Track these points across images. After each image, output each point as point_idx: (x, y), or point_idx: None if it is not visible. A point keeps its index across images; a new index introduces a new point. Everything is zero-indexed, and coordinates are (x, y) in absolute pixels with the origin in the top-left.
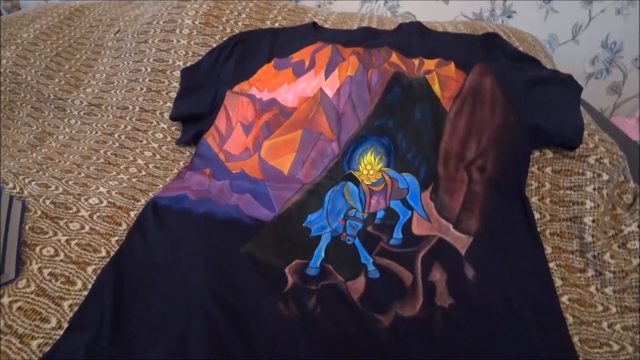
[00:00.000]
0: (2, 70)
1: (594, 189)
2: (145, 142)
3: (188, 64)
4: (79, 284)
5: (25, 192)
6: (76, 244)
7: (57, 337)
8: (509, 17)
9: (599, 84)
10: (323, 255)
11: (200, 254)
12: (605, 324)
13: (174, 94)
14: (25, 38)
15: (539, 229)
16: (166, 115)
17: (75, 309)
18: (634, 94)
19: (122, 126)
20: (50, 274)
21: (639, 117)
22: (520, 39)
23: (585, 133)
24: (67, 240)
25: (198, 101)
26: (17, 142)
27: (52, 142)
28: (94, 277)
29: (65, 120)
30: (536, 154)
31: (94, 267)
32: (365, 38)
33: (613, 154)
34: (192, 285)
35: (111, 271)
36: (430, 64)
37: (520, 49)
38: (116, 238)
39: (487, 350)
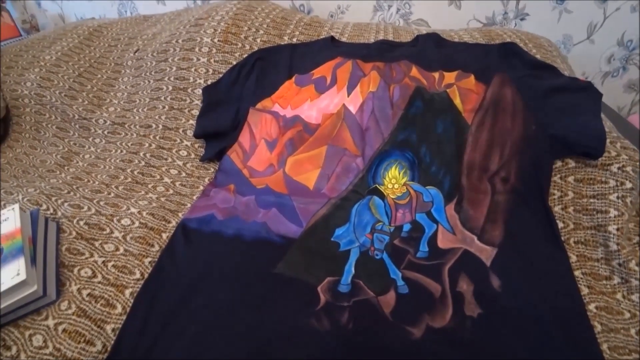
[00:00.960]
0: (27, 92)
1: (618, 197)
2: (170, 160)
3: (209, 82)
4: (119, 308)
5: (59, 213)
6: (112, 265)
7: None
8: (522, 19)
9: (615, 82)
10: (353, 271)
11: (231, 276)
12: (633, 331)
13: (195, 112)
14: (47, 60)
15: (563, 238)
16: (189, 132)
17: (117, 332)
18: None
19: (147, 144)
20: (89, 295)
21: None
22: (537, 45)
23: (607, 141)
24: (103, 262)
25: (220, 118)
26: (45, 163)
27: (79, 162)
28: (131, 301)
29: (90, 139)
30: (558, 163)
31: (130, 290)
32: (383, 51)
33: (636, 162)
34: (224, 307)
35: (145, 297)
36: (450, 77)
37: (538, 56)
38: (149, 259)
39: (517, 358)
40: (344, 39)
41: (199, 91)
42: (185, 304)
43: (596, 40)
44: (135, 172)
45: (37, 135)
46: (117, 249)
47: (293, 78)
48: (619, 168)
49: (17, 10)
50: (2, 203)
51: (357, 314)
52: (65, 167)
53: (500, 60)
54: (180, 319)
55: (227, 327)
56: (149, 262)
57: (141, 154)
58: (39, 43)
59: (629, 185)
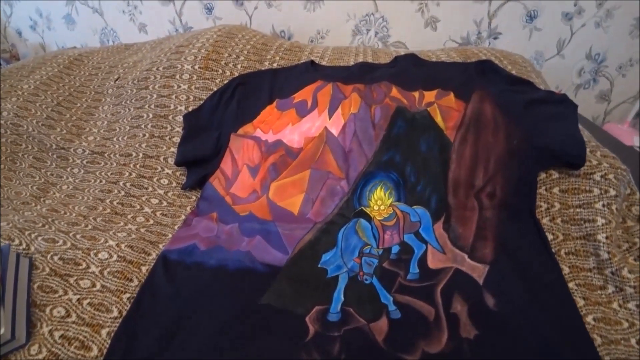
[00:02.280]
0: (2, 122)
1: (603, 205)
2: (150, 189)
3: (190, 109)
4: (95, 350)
5: (32, 249)
6: (88, 303)
7: None
8: (495, 38)
9: (588, 93)
10: (342, 298)
11: (215, 310)
12: (633, 341)
13: (177, 139)
14: (25, 89)
15: (553, 250)
16: (170, 160)
17: None
18: (622, 99)
19: (127, 174)
20: (62, 337)
21: (630, 121)
22: (511, 61)
23: (588, 150)
24: (78, 299)
25: (202, 145)
26: (20, 194)
27: (56, 193)
28: (109, 341)
29: (68, 169)
30: (542, 175)
31: (107, 329)
32: (363, 73)
33: (617, 169)
34: (208, 344)
35: (124, 336)
36: (430, 95)
37: (513, 72)
38: (127, 295)
39: None
40: (324, 63)
41: (180, 118)
42: (167, 343)
43: (566, 55)
44: (115, 203)
45: (13, 166)
46: (94, 285)
47: (274, 103)
48: (601, 176)
49: None
50: None
51: (349, 344)
52: (41, 199)
53: (478, 77)
54: (165, 355)
55: None
56: (128, 299)
57: (121, 184)
58: (18, 72)
59: (613, 192)
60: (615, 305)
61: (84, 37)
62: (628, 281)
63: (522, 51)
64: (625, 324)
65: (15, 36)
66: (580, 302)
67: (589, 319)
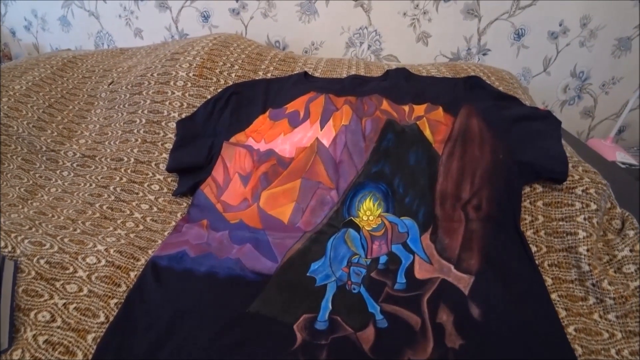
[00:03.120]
0: None
1: (584, 218)
2: (141, 194)
3: (183, 115)
4: (80, 355)
5: (18, 251)
6: (74, 308)
7: None
8: (484, 54)
9: (572, 109)
10: (330, 306)
11: (204, 317)
12: (613, 351)
13: (169, 145)
14: (17, 90)
15: (537, 262)
16: (162, 166)
17: None
18: (605, 116)
19: (117, 178)
20: (46, 342)
21: (613, 137)
22: (499, 77)
23: (570, 165)
24: (64, 304)
25: (194, 152)
26: (7, 196)
27: (44, 195)
28: (94, 347)
29: (58, 172)
30: (527, 189)
31: (93, 335)
32: (355, 85)
33: (597, 184)
34: (196, 351)
35: (111, 342)
36: (419, 109)
37: (500, 87)
38: (115, 300)
39: None
40: (317, 74)
41: (173, 125)
42: (155, 349)
43: (552, 72)
44: (104, 207)
45: (1, 167)
46: (81, 290)
47: (267, 112)
48: (583, 191)
49: None
50: None
51: (336, 352)
52: (29, 201)
53: (466, 93)
54: None
55: None
56: (115, 304)
57: (111, 188)
58: (10, 72)
59: (594, 206)
60: (595, 316)
61: (79, 40)
62: (608, 293)
63: (510, 68)
64: (606, 335)
65: (8, 35)
66: (562, 313)
67: (570, 329)
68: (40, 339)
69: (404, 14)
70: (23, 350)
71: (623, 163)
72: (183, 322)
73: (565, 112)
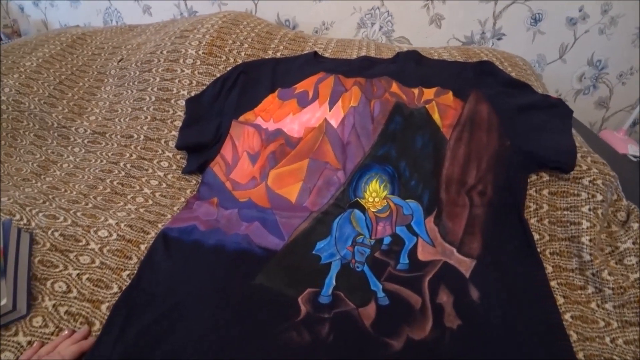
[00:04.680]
0: (4, 98)
1: (590, 209)
2: (151, 170)
3: (192, 93)
4: (97, 325)
5: (33, 224)
6: (87, 279)
7: None
8: (499, 39)
9: (587, 99)
10: (334, 282)
11: (211, 286)
12: (607, 339)
13: (178, 123)
14: (28, 66)
15: (539, 249)
16: (171, 143)
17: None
18: (620, 107)
19: (127, 155)
20: (67, 312)
21: (626, 129)
22: (512, 63)
23: (579, 155)
24: (78, 274)
25: (203, 131)
26: (21, 171)
27: (57, 171)
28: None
29: (69, 148)
30: (533, 177)
31: (107, 304)
32: (364, 67)
33: (605, 175)
34: (203, 318)
35: (122, 305)
36: (429, 93)
37: (513, 74)
38: (127, 272)
39: None
40: (327, 55)
41: (182, 102)
42: (164, 317)
43: (568, 60)
44: (115, 183)
45: (14, 143)
46: (93, 262)
47: (276, 92)
48: (590, 181)
49: None
50: None
51: (338, 326)
52: (42, 176)
53: (477, 78)
54: (159, 332)
55: (207, 340)
56: (127, 275)
57: (121, 164)
58: (20, 49)
59: (599, 197)
60: (593, 305)
61: (87, 16)
62: (607, 283)
63: (524, 54)
64: (602, 323)
65: (17, 12)
66: (560, 300)
67: (567, 316)
68: (61, 310)
69: None
70: (45, 319)
71: (634, 156)
72: (190, 291)
73: (579, 101)
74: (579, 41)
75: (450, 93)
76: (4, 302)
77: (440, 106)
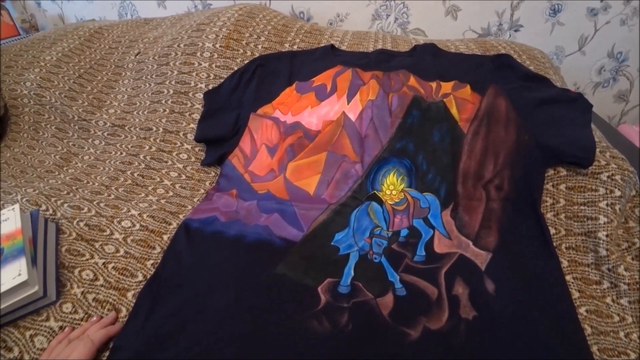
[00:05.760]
0: (26, 92)
1: (607, 204)
2: (170, 162)
3: (210, 87)
4: (124, 311)
5: (58, 214)
6: (113, 267)
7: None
8: (516, 30)
9: (606, 92)
10: (353, 273)
11: (232, 275)
12: (622, 334)
13: (196, 116)
14: (48, 60)
15: (555, 244)
16: (190, 136)
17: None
18: None
19: (147, 147)
20: (95, 299)
21: None
22: (530, 56)
23: (597, 150)
24: (104, 263)
25: (221, 123)
26: (44, 163)
27: (78, 163)
28: (134, 302)
29: (90, 140)
30: (550, 172)
31: (133, 292)
32: (381, 60)
33: (624, 170)
34: (226, 305)
35: (146, 295)
36: (447, 86)
37: (531, 67)
38: (151, 261)
39: (510, 358)
40: (343, 47)
41: (200, 95)
42: (188, 304)
43: (587, 52)
44: (135, 174)
45: (36, 136)
46: (118, 251)
47: (294, 85)
48: (608, 177)
49: (17, 10)
50: (2, 203)
51: (357, 315)
52: (64, 168)
53: (495, 72)
54: (183, 319)
55: (231, 327)
56: (151, 265)
57: (141, 157)
58: (39, 43)
59: (618, 193)
60: (608, 300)
61: (103, 10)
62: (623, 278)
63: (542, 45)
64: (617, 318)
65: (34, 6)
66: (575, 294)
67: (582, 310)
68: (90, 297)
69: None
70: (74, 305)
71: None
72: (213, 280)
73: (597, 94)
74: (600, 32)
75: (468, 87)
76: (35, 289)
77: (458, 100)
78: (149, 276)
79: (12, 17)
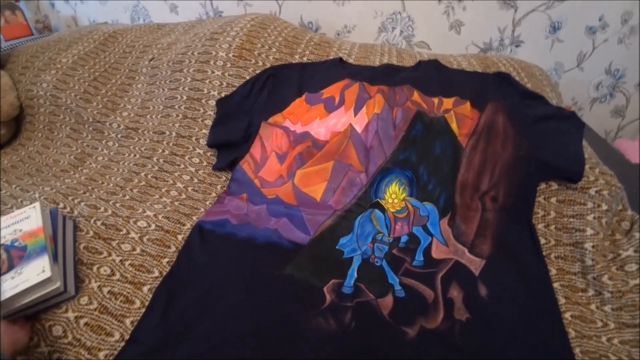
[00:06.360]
0: (42, 93)
1: (594, 217)
2: (182, 166)
3: (222, 94)
4: (138, 303)
5: (76, 212)
6: (130, 264)
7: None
8: (517, 46)
9: (603, 107)
10: (356, 275)
11: (243, 274)
12: (604, 338)
13: (209, 122)
14: (64, 63)
15: (544, 253)
16: (202, 141)
17: (135, 324)
18: (636, 117)
19: (160, 150)
20: (110, 292)
21: None
22: (528, 74)
23: (587, 167)
24: (121, 260)
25: (233, 129)
26: (59, 162)
27: (92, 163)
28: (150, 296)
29: (104, 142)
30: (542, 185)
31: (149, 286)
32: (388, 74)
33: (612, 186)
34: (237, 302)
35: (163, 290)
36: (448, 102)
37: (529, 84)
38: (167, 259)
39: (499, 357)
40: (351, 60)
41: (213, 102)
42: (202, 300)
43: (585, 68)
44: (149, 176)
45: (50, 135)
46: (134, 249)
47: (303, 96)
48: (596, 191)
49: (30, 10)
50: (20, 200)
51: (359, 314)
52: (79, 168)
53: (495, 89)
54: (196, 315)
55: (242, 323)
56: (167, 262)
57: (154, 159)
58: (55, 45)
59: (604, 207)
60: (593, 306)
61: (115, 14)
62: (607, 287)
63: (542, 61)
64: (600, 324)
65: (48, 7)
66: (562, 300)
67: (567, 315)
68: (105, 290)
69: (439, 1)
70: (90, 297)
71: None
72: (225, 278)
73: (595, 109)
74: (598, 50)
75: (468, 103)
76: (58, 284)
77: (458, 116)
78: (164, 272)
79: (26, 17)
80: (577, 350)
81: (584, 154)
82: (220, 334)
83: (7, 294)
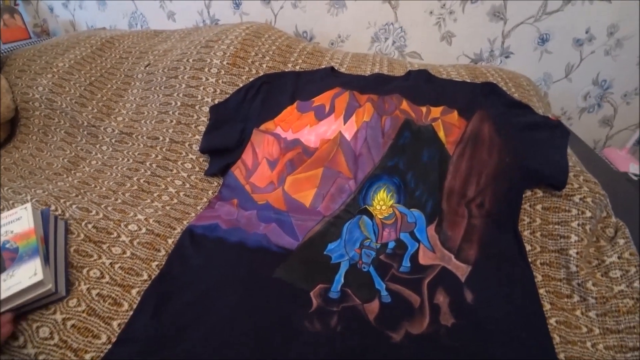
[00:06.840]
0: (38, 96)
1: (578, 224)
2: (175, 171)
3: (216, 101)
4: (126, 306)
5: (67, 215)
6: (119, 267)
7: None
8: (507, 57)
9: (591, 117)
10: (343, 280)
11: (234, 277)
12: (589, 344)
13: (202, 128)
14: (61, 67)
15: (530, 259)
16: (195, 147)
17: (123, 326)
18: (624, 126)
19: (153, 155)
20: (98, 294)
21: (629, 148)
22: (516, 84)
23: (571, 174)
24: (110, 263)
25: (226, 136)
26: (52, 165)
27: (86, 167)
28: (138, 298)
29: (97, 146)
30: (528, 193)
31: (137, 289)
32: (378, 83)
33: (596, 193)
34: (228, 305)
35: (153, 292)
36: (436, 111)
37: (516, 95)
38: (156, 263)
39: None
40: (342, 69)
41: (206, 109)
42: (192, 303)
43: (573, 79)
44: (142, 181)
45: (45, 139)
46: (124, 252)
47: (295, 104)
48: (580, 199)
49: (29, 14)
50: (11, 202)
51: (345, 318)
52: (72, 172)
53: (482, 99)
54: (194, 317)
55: (233, 325)
56: (157, 266)
57: (147, 164)
58: (53, 49)
59: (588, 214)
60: (578, 312)
61: (114, 19)
62: (591, 292)
63: (531, 72)
64: (584, 329)
65: (47, 11)
66: (547, 306)
67: (552, 320)
68: (93, 292)
69: (431, 12)
70: (79, 300)
71: (635, 175)
72: (216, 281)
73: (583, 119)
74: (585, 61)
75: (456, 112)
76: (49, 287)
77: (446, 124)
78: (153, 276)
79: (25, 21)
80: (561, 356)
81: (568, 162)
82: (218, 335)
83: None
